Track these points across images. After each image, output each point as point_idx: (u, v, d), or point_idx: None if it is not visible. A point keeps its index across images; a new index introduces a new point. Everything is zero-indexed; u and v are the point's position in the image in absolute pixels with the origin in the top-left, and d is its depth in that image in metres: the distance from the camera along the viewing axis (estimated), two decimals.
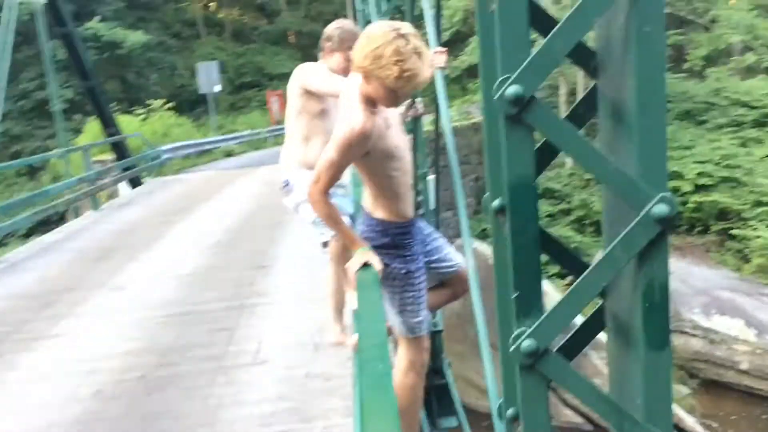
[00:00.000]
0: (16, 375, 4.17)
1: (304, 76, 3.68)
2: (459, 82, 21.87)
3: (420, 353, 3.16)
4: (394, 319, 3.06)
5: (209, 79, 21.53)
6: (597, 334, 1.23)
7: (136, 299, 5.48)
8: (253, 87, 30.89)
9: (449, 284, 3.27)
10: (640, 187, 1.01)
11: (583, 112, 1.21)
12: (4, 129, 16.07)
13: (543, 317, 1.03)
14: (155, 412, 3.54)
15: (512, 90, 0.99)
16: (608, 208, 1.15)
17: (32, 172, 20.08)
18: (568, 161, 14.83)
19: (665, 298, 1.02)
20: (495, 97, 1.00)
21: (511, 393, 1.15)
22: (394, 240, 2.95)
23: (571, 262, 1.16)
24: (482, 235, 11.45)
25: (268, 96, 25.58)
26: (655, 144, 1.01)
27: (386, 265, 2.92)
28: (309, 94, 3.66)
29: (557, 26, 0.99)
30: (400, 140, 2.88)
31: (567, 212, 13.77)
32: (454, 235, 9.56)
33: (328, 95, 3.59)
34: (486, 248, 12.88)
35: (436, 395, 5.03)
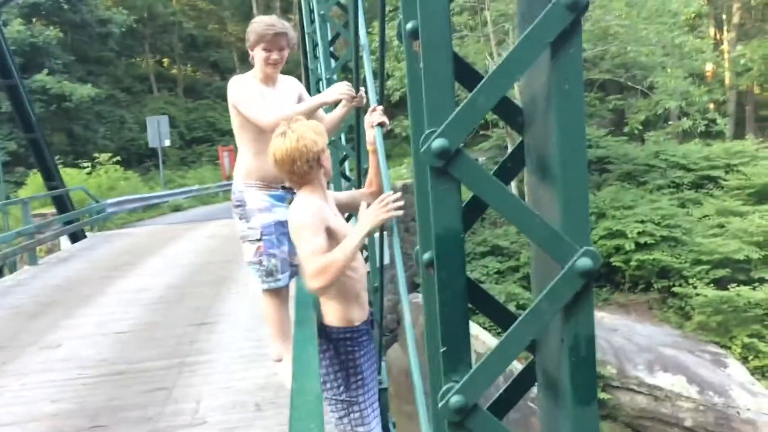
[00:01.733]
0: None
1: (233, 95, 3.50)
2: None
3: None
4: None
5: (159, 132, 21.36)
6: (529, 389, 1.22)
7: (69, 358, 5.24)
8: (204, 142, 30.85)
9: None
10: (564, 240, 1.02)
11: (512, 166, 1.23)
12: None
13: (471, 372, 1.01)
14: None
15: (438, 143, 1.00)
16: (537, 261, 1.16)
17: None
18: None
19: (591, 352, 1.02)
20: (421, 150, 1.00)
21: None
22: (337, 348, 2.87)
23: (499, 315, 1.15)
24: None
25: (220, 151, 25.54)
26: (577, 198, 1.02)
27: (330, 382, 2.86)
28: None
29: (481, 82, 1.00)
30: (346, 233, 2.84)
31: (515, 269, 13.93)
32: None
33: (253, 121, 3.42)
34: None
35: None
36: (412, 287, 11.84)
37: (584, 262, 1.00)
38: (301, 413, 1.41)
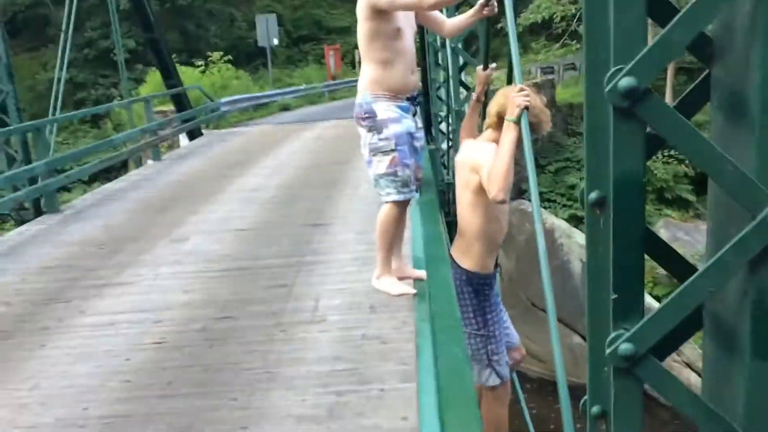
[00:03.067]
0: (86, 320, 4.35)
1: None
2: (520, 40, 21.27)
3: (507, 396, 3.47)
4: (481, 374, 3.34)
5: (268, 31, 21.51)
6: (692, 335, 1.19)
7: (197, 252, 5.61)
8: (310, 41, 30.82)
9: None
10: (759, 188, 0.95)
11: (694, 101, 1.14)
12: (69, 76, 16.44)
13: (643, 321, 0.99)
14: (216, 363, 3.64)
15: (625, 82, 0.93)
16: (716, 206, 1.09)
17: (95, 119, 20.59)
18: None
19: None
20: (606, 89, 0.94)
21: (598, 391, 1.12)
22: (477, 291, 3.23)
23: (676, 265, 1.10)
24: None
25: (326, 51, 25.49)
26: None
27: (468, 320, 3.23)
28: (379, 14, 3.39)
29: (679, 14, 0.92)
30: None
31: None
32: None
33: (399, 8, 3.35)
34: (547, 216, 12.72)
35: None
36: None
37: None
38: (447, 336, 1.45)
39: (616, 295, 1.00)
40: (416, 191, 3.63)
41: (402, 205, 3.60)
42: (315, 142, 11.43)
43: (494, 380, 3.29)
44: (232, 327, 4.10)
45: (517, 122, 2.87)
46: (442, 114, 8.19)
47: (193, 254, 5.56)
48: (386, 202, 3.64)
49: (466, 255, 3.28)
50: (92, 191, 9.01)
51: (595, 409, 1.16)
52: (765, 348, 0.97)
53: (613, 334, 0.99)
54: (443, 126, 8.25)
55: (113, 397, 3.37)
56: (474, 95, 3.85)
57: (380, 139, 3.49)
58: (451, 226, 7.63)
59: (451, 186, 7.50)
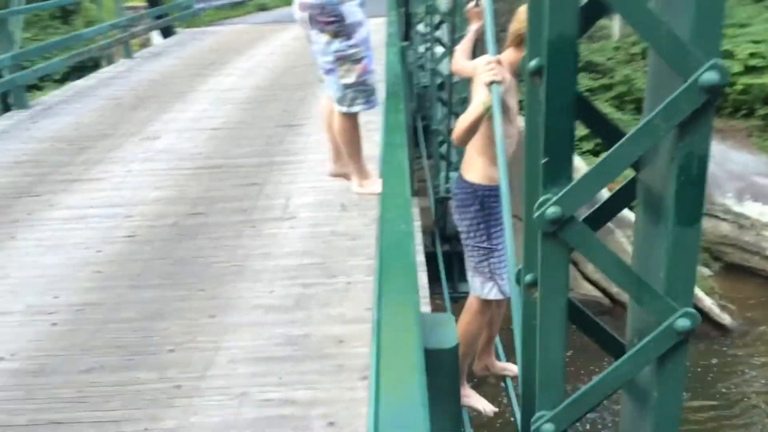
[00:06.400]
0: (55, 214, 4.34)
1: None
2: None
3: (498, 314, 3.53)
4: (483, 286, 3.30)
5: None
6: (625, 206, 1.21)
7: (168, 150, 5.55)
8: None
9: None
10: (691, 51, 0.94)
11: None
12: None
13: (571, 185, 1.00)
14: (186, 257, 3.68)
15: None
16: (653, 75, 1.08)
17: (65, 15, 19.79)
18: (615, 32, 14.11)
19: (702, 173, 0.98)
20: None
21: (531, 259, 1.15)
22: (482, 203, 3.18)
23: (606, 132, 1.10)
24: None
25: None
26: (713, 5, 0.92)
27: (474, 232, 3.25)
28: None
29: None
30: (514, 105, 3.13)
31: (608, 87, 13.25)
32: None
33: None
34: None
35: (457, 262, 5.14)
36: None
37: (710, 77, 0.93)
38: (393, 214, 1.46)
39: (546, 159, 1.00)
40: None
41: (358, 114, 3.41)
42: (292, 43, 11.11)
43: (496, 293, 3.27)
44: (203, 223, 4.12)
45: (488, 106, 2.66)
46: (420, 14, 7.93)
47: (165, 152, 5.50)
48: (351, 113, 3.39)
49: (470, 168, 3.25)
50: (62, 88, 8.77)
51: (529, 277, 1.19)
52: (687, 213, 0.99)
53: (541, 198, 1.01)
54: (421, 26, 8.02)
55: (84, 286, 3.42)
56: (472, 30, 3.60)
57: (350, 46, 3.10)
58: (426, 130, 7.59)
59: (427, 89, 7.40)
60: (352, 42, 3.14)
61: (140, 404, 2.49)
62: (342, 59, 3.18)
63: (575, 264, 8.39)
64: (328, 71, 3.25)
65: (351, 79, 3.22)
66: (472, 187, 3.22)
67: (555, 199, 1.00)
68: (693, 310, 1.00)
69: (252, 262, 3.60)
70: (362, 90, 3.26)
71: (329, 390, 2.51)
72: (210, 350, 2.79)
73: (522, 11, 3.06)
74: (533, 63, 1.10)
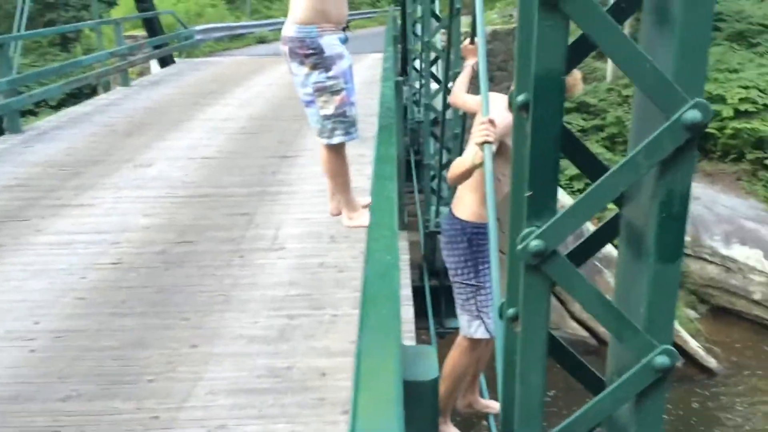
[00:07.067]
0: (42, 239, 4.31)
1: None
2: None
3: (486, 353, 3.50)
4: (470, 324, 3.32)
5: None
6: (608, 242, 1.21)
7: (160, 177, 5.55)
8: None
9: None
10: (675, 90, 0.95)
11: (626, 6, 1.13)
12: None
13: (554, 218, 1.00)
14: (171, 285, 3.65)
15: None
16: (638, 112, 1.09)
17: (65, 42, 19.96)
18: (608, 74, 14.32)
19: (684, 210, 0.98)
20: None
21: (514, 293, 1.14)
22: (470, 240, 3.20)
23: (589, 165, 1.11)
24: None
25: None
26: (697, 45, 0.93)
27: (461, 269, 3.25)
28: None
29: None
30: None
31: (600, 128, 13.41)
32: None
33: None
34: None
35: (445, 296, 5.12)
36: None
37: (693, 115, 0.94)
38: (379, 245, 1.46)
39: (531, 192, 1.00)
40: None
41: (344, 146, 3.44)
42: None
43: (482, 333, 3.27)
44: (190, 251, 4.09)
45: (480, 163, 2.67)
46: (417, 50, 8.06)
47: (157, 180, 5.50)
48: (331, 144, 3.43)
49: (461, 205, 3.27)
50: (57, 113, 8.79)
51: (511, 311, 1.18)
52: (669, 250, 0.99)
53: (525, 231, 1.00)
54: (417, 63, 8.13)
55: (66, 312, 3.37)
56: (468, 66, 3.69)
57: (328, 78, 3.18)
58: (419, 165, 7.62)
59: (422, 124, 7.45)
60: (331, 74, 3.21)
61: None
62: (321, 90, 3.25)
63: (563, 303, 8.38)
64: (308, 103, 3.32)
65: (330, 110, 3.28)
66: (461, 224, 3.23)
67: (538, 232, 1.00)
68: (672, 348, 1.00)
69: (238, 292, 3.57)
70: (341, 121, 3.30)
71: (309, 423, 2.46)
72: (190, 381, 2.74)
73: None
74: (521, 98, 1.11)
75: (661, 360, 0.99)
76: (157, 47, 12.17)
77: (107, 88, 11.00)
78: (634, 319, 1.04)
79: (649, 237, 1.00)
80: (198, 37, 14.73)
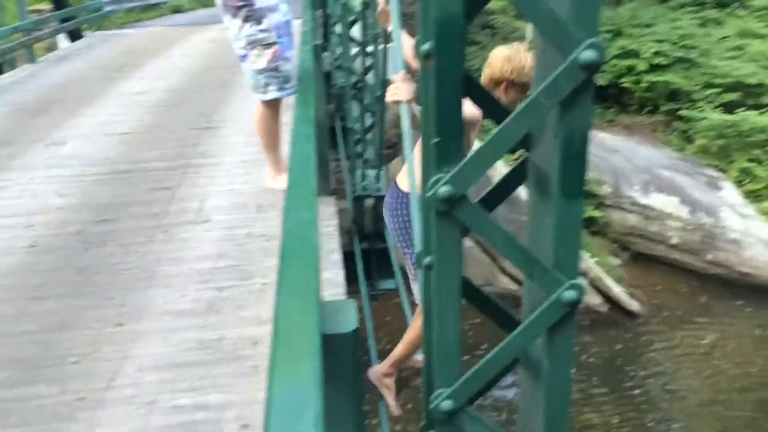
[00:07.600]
0: None
1: None
2: None
3: None
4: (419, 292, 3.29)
5: None
6: (517, 187, 1.23)
7: (75, 155, 5.31)
8: None
9: None
10: (570, 31, 0.96)
11: None
12: None
13: (462, 163, 1.00)
14: (92, 265, 3.52)
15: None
16: (539, 56, 1.11)
17: None
18: (528, 33, 14.50)
19: (584, 148, 1.00)
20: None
21: (429, 241, 1.15)
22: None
23: (493, 109, 1.12)
24: None
25: None
26: None
27: (407, 240, 3.20)
28: None
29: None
30: (472, 139, 3.06)
31: None
32: None
33: None
34: None
35: (376, 259, 5.16)
36: None
37: (589, 55, 0.96)
38: (297, 204, 1.44)
39: (438, 139, 1.00)
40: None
41: (277, 102, 3.41)
42: (208, 45, 10.88)
43: None
44: (111, 230, 3.95)
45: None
46: (338, 15, 7.92)
47: (71, 158, 5.26)
48: (265, 101, 3.41)
49: (405, 177, 3.25)
50: None
51: (428, 259, 1.19)
52: (571, 187, 1.02)
53: (434, 178, 1.01)
54: (338, 27, 8.01)
55: None
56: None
57: (260, 31, 3.16)
58: (345, 131, 7.57)
59: (344, 89, 7.38)
60: (262, 27, 3.17)
61: (41, 419, 2.36)
62: (252, 44, 3.20)
63: (493, 259, 8.58)
64: (242, 57, 3.26)
65: (262, 64, 3.22)
66: (406, 197, 3.20)
67: (447, 177, 1.01)
68: (579, 282, 1.03)
69: (163, 267, 3.49)
70: (274, 76, 3.24)
71: (243, 392, 2.45)
72: (117, 359, 2.67)
73: (494, 56, 3.00)
74: (425, 47, 1.11)
75: (569, 294, 1.02)
76: (64, 20, 11.54)
77: (12, 65, 10.38)
78: (543, 258, 1.06)
79: (552, 176, 1.03)
80: (108, 8, 14.06)
